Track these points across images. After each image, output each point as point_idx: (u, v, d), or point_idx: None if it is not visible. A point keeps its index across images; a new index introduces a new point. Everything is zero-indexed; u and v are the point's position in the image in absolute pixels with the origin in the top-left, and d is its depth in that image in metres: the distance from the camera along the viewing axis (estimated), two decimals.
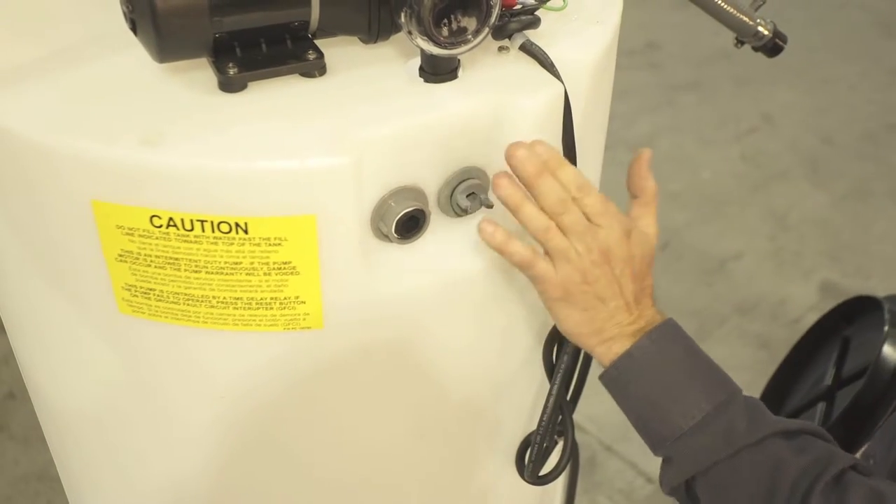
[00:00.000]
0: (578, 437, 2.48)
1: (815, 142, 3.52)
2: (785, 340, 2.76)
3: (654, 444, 0.95)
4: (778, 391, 1.43)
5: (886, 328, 1.32)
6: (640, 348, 0.92)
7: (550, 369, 1.05)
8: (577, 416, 2.49)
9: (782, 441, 0.90)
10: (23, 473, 2.40)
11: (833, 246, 3.06)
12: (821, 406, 1.39)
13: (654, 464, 1.61)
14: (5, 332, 2.42)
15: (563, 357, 1.04)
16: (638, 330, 0.93)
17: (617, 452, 2.47)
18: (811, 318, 2.81)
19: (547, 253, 0.91)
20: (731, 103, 3.72)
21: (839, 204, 3.24)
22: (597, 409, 2.59)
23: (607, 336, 0.93)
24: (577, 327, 0.93)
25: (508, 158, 0.85)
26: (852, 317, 1.44)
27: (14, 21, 0.92)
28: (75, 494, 1.34)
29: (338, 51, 0.89)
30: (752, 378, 2.66)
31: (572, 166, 0.90)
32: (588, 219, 0.89)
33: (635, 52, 4.00)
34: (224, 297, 0.86)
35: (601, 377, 0.96)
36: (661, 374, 0.94)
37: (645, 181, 0.96)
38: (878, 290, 2.05)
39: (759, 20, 1.10)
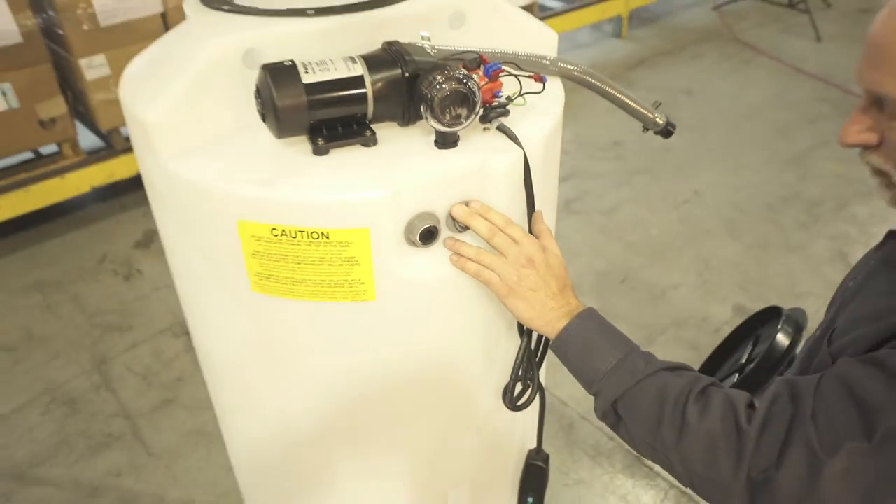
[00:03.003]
0: (562, 409, 2.52)
1: (730, 209, 3.48)
2: (707, 344, 2.68)
3: (588, 385, 0.98)
4: (711, 367, 1.45)
5: (780, 324, 1.34)
6: (571, 324, 0.97)
7: (520, 333, 1.05)
8: (562, 396, 2.53)
9: (667, 372, 0.94)
10: (188, 430, 2.44)
11: (742, 280, 3.03)
12: (736, 376, 1.40)
13: None
14: (174, 331, 2.46)
15: None
16: (569, 313, 0.97)
17: (589, 420, 2.45)
18: (726, 330, 2.75)
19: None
20: (672, 182, 3.70)
21: (747, 251, 3.21)
22: (575, 390, 2.63)
23: (549, 319, 0.97)
24: (526, 313, 0.97)
25: (451, 214, 0.93)
26: (763, 321, 1.45)
27: (193, 117, 0.91)
28: (224, 420, 1.30)
29: (385, 131, 0.92)
30: None
31: (498, 212, 0.95)
32: (514, 241, 0.94)
33: (606, 147, 4.01)
34: (315, 280, 0.89)
35: (551, 346, 1.01)
36: (587, 340, 0.98)
37: (539, 226, 1.00)
38: None
39: (656, 114, 1.13)
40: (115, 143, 3.45)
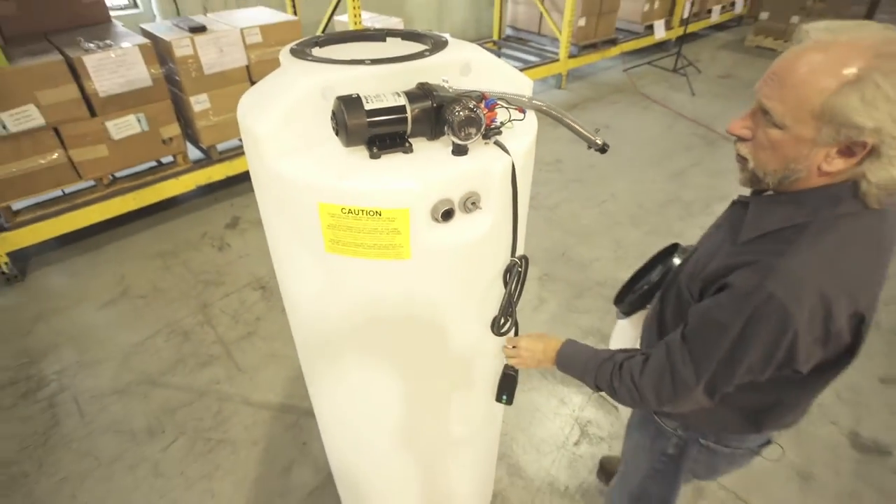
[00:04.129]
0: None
1: (634, 207, 3.48)
2: None
3: (582, 380, 1.11)
4: (632, 283, 1.43)
5: (677, 254, 1.34)
6: (559, 355, 1.14)
7: (505, 283, 1.06)
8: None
9: (606, 363, 1.06)
10: (264, 353, 2.45)
11: (642, 255, 3.03)
12: (645, 286, 1.39)
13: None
14: (253, 287, 2.42)
15: (512, 277, 1.05)
16: (552, 356, 1.15)
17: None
18: None
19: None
20: (596, 188, 3.69)
21: (645, 236, 3.23)
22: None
23: (546, 361, 1.15)
24: (539, 365, 1.16)
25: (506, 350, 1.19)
26: (670, 252, 1.43)
27: (288, 131, 0.89)
28: (298, 338, 1.24)
29: (418, 143, 0.92)
30: (601, 315, 2.70)
31: (514, 341, 1.18)
32: (522, 350, 1.16)
33: (550, 162, 3.99)
34: (370, 244, 0.89)
35: (557, 367, 1.15)
36: (566, 366, 1.13)
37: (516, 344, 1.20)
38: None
39: (597, 138, 1.06)
40: (213, 155, 3.41)
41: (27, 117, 2.59)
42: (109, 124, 2.86)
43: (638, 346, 1.25)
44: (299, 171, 0.86)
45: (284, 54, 1.00)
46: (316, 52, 1.03)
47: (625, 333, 1.34)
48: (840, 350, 0.83)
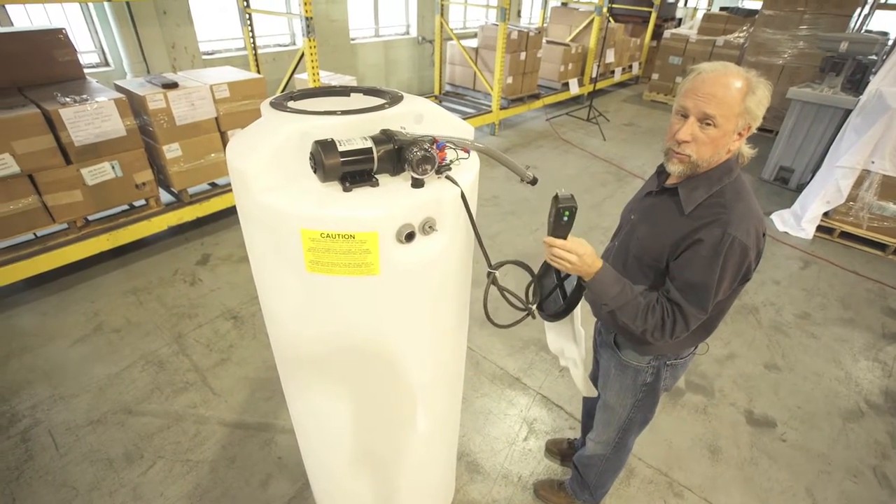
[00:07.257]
0: (471, 354, 2.57)
1: None
2: None
3: (602, 300, 1.13)
4: (540, 287, 1.45)
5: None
6: (599, 273, 1.12)
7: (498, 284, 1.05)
8: (473, 346, 2.50)
9: (639, 297, 1.13)
10: (238, 377, 2.36)
11: None
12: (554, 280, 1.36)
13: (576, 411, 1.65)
14: (225, 317, 2.38)
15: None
16: (595, 269, 1.12)
17: (489, 359, 2.48)
18: None
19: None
20: (528, 218, 3.79)
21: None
22: (482, 340, 2.69)
23: (588, 273, 1.12)
24: (577, 273, 1.13)
25: (550, 246, 1.11)
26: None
27: (272, 169, 0.90)
28: (277, 351, 1.22)
29: (383, 178, 0.95)
30: (540, 327, 2.77)
31: (561, 247, 1.10)
32: (571, 256, 1.10)
33: (489, 199, 4.08)
34: (345, 263, 0.91)
35: (587, 283, 1.13)
36: (602, 283, 1.12)
37: (570, 243, 1.12)
38: None
39: (529, 172, 1.16)
40: (183, 199, 3.34)
41: (3, 165, 2.47)
42: (84, 171, 2.76)
43: (574, 338, 1.33)
44: (283, 202, 0.89)
45: (265, 106, 1.03)
46: (292, 104, 1.07)
47: (557, 328, 1.41)
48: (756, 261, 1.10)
